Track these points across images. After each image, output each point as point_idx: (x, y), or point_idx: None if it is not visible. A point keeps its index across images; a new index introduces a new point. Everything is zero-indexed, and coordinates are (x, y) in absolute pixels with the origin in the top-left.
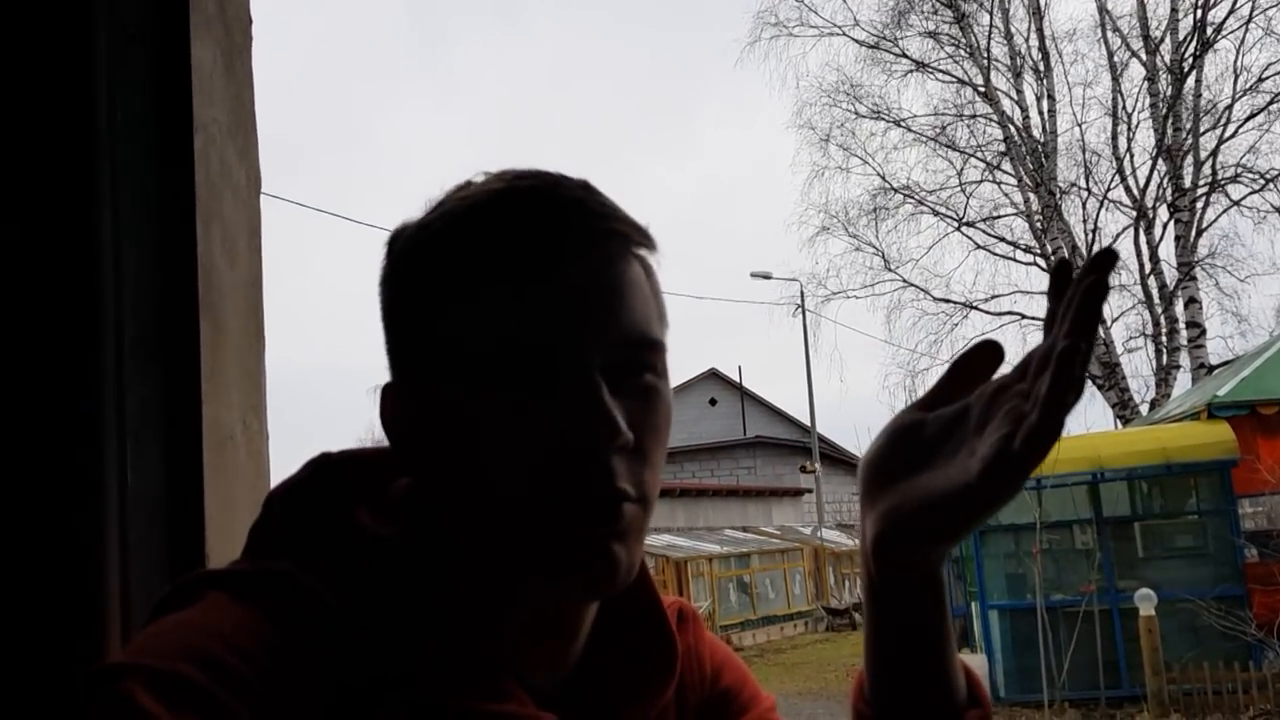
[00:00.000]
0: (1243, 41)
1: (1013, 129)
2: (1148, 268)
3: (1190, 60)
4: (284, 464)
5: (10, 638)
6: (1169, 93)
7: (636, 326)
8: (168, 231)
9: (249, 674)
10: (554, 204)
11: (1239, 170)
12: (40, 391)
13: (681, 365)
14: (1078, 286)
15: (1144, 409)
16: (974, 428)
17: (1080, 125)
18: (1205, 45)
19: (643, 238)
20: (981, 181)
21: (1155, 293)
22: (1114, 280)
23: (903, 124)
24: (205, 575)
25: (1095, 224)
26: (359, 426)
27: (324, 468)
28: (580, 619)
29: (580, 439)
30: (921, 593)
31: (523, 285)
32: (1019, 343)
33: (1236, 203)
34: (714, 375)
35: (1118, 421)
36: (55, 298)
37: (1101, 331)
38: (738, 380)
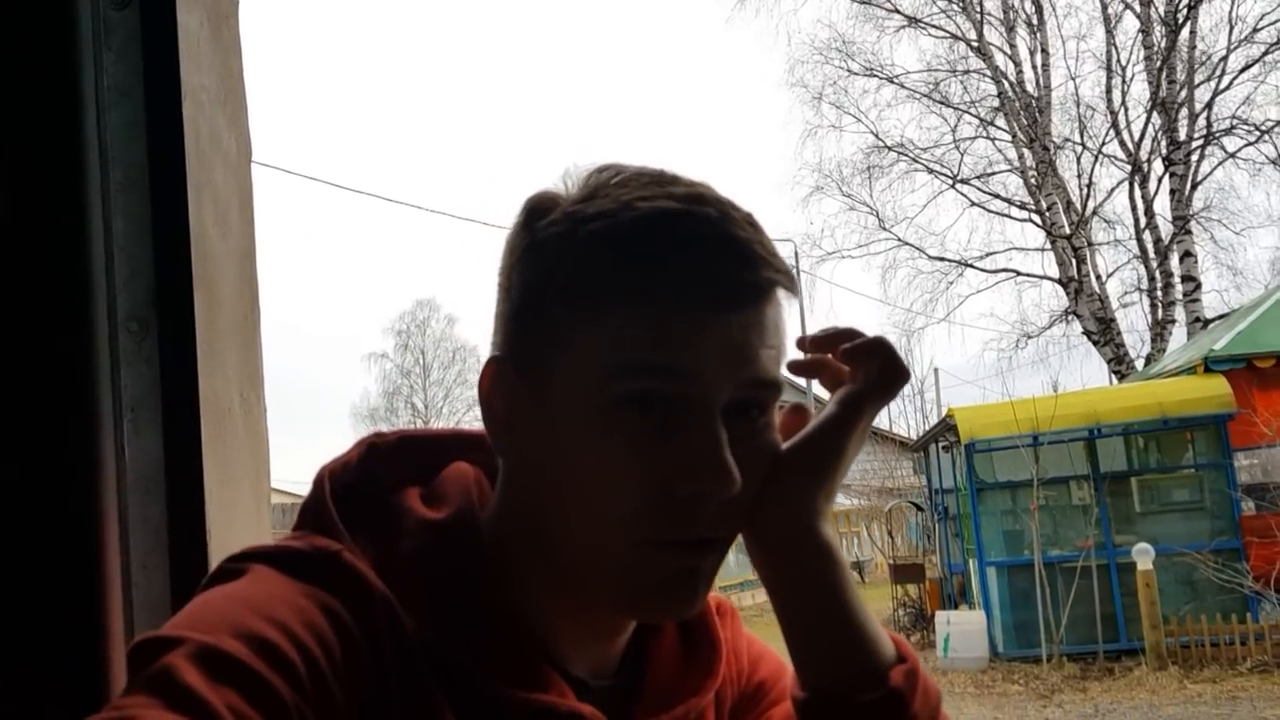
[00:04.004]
0: None
1: (1006, 84)
2: (1143, 222)
3: (1185, 11)
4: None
5: (12, 613)
6: (1163, 45)
7: (767, 371)
8: (159, 202)
9: (291, 652)
10: (724, 242)
11: (1234, 122)
12: (34, 368)
13: None
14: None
15: (1139, 364)
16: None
17: (1074, 79)
18: None
19: (792, 285)
20: (975, 138)
21: (1150, 247)
22: (1109, 235)
23: (895, 81)
24: (253, 550)
25: (1090, 179)
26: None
27: (375, 448)
28: (628, 620)
29: (694, 485)
30: (815, 553)
31: (675, 318)
32: (1014, 299)
33: (1232, 155)
34: None
35: (1113, 377)
36: (46, 271)
37: (1097, 286)
38: None
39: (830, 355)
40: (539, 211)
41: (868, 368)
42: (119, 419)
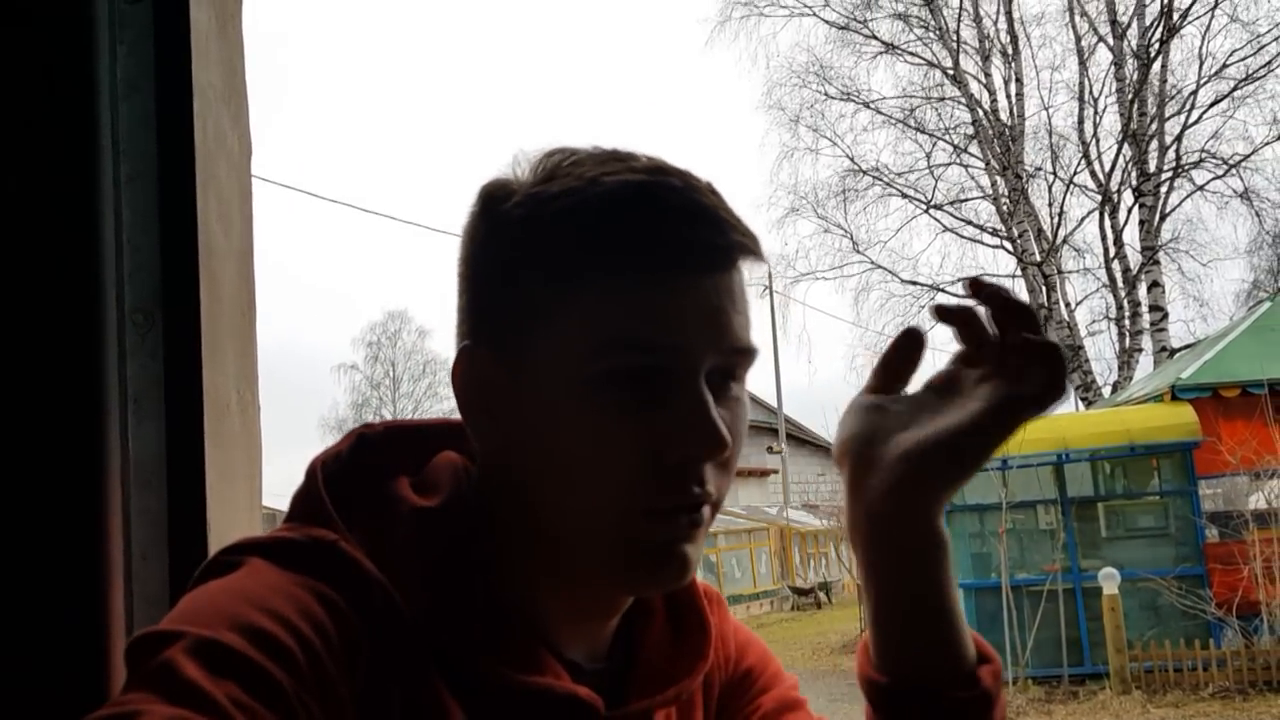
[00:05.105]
0: (1208, 28)
1: (981, 112)
2: (1112, 252)
3: (1156, 46)
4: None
5: (15, 603)
6: (1135, 78)
7: (741, 336)
8: (166, 196)
9: (290, 642)
10: (692, 209)
11: (1203, 155)
12: (43, 356)
13: None
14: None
15: (1106, 391)
16: (944, 402)
17: (1047, 109)
18: (1171, 31)
19: (759, 249)
20: (949, 164)
21: (1119, 276)
22: (1078, 264)
23: (872, 106)
24: (248, 542)
25: (1061, 208)
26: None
27: (365, 438)
28: (622, 600)
29: (687, 449)
30: (940, 545)
31: (652, 287)
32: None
33: (1200, 188)
34: None
35: (1081, 403)
36: (59, 261)
37: (1066, 314)
38: None
39: (983, 309)
40: (498, 197)
41: (1032, 371)
42: (124, 410)
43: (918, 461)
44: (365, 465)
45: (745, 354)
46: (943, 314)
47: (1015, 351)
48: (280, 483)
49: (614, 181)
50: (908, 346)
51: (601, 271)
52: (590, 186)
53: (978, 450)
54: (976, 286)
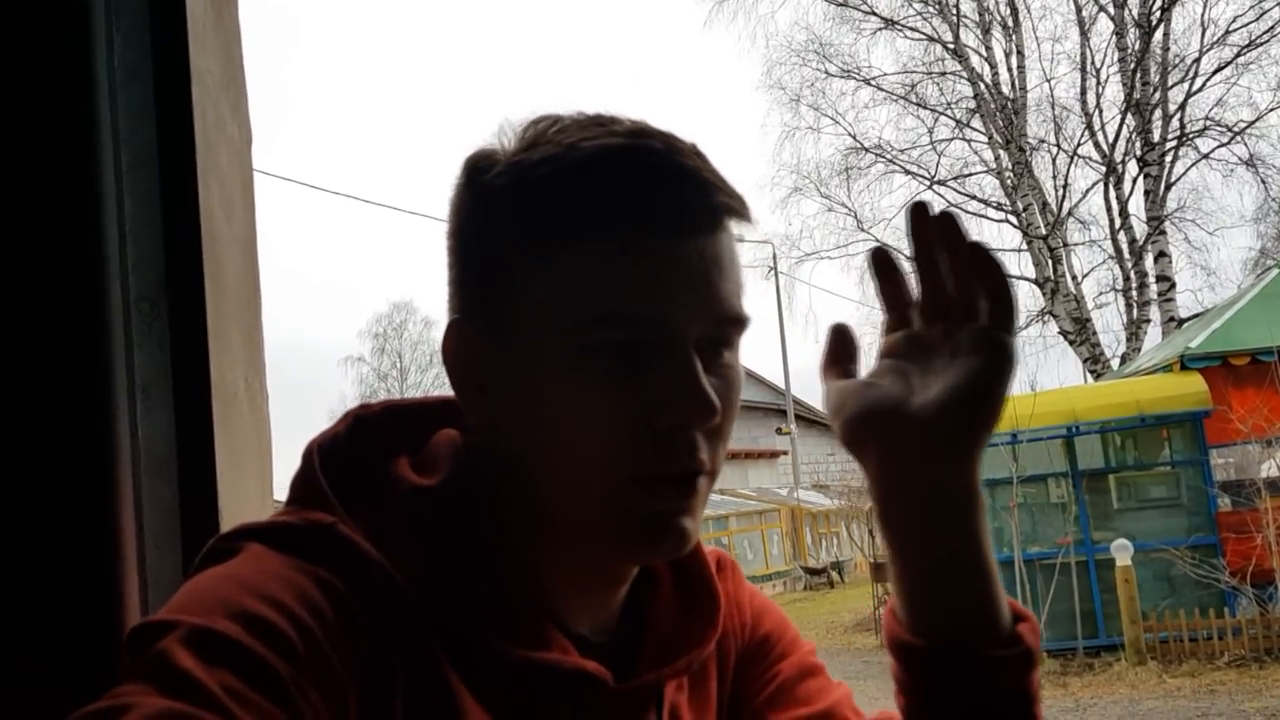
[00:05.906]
0: None
1: (982, 86)
2: (1117, 223)
3: (1158, 13)
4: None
5: (29, 594)
6: (1137, 46)
7: (730, 303)
8: (167, 184)
9: (286, 628)
10: (673, 172)
11: (1207, 123)
12: (49, 349)
13: None
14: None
15: (1115, 363)
16: (930, 363)
17: (1049, 81)
18: None
19: (745, 211)
20: (952, 139)
21: (1125, 247)
22: (1084, 236)
23: (873, 83)
24: (246, 528)
25: (1065, 180)
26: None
27: (362, 419)
28: (626, 571)
29: (675, 417)
30: (980, 504)
31: (634, 253)
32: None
33: (1205, 156)
34: None
35: (1090, 376)
36: (63, 251)
37: (1073, 287)
38: None
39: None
40: (481, 167)
41: (982, 298)
42: (133, 400)
43: (954, 415)
44: (363, 446)
45: (735, 322)
46: (878, 263)
47: (962, 287)
48: (290, 478)
49: (592, 146)
50: (844, 339)
51: (582, 241)
52: (569, 153)
53: (999, 389)
54: (922, 220)
